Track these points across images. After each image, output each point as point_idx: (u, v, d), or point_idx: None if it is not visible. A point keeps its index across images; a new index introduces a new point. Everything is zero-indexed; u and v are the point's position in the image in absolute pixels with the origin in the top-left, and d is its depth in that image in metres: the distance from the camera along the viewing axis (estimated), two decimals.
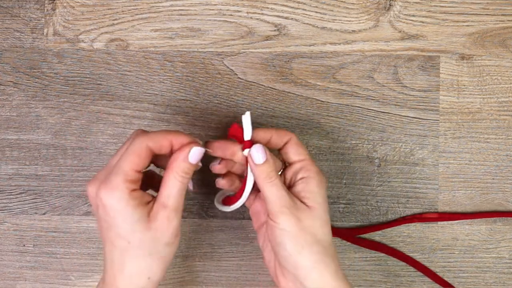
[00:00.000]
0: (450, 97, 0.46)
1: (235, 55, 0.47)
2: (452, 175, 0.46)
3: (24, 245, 0.47)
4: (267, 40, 0.47)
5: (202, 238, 0.47)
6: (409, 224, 0.46)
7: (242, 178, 0.40)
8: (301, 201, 0.38)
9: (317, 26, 0.47)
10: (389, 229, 0.46)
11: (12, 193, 0.47)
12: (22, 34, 0.47)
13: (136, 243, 0.35)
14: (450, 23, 0.47)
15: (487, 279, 0.46)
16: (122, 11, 0.47)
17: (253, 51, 0.47)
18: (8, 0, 0.48)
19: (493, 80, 0.46)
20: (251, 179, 0.38)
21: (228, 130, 0.38)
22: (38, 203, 0.47)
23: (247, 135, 0.38)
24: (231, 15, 0.47)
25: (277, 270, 0.39)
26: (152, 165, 0.39)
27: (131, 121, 0.47)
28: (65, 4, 0.47)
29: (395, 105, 0.47)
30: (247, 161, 0.38)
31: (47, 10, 0.47)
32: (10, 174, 0.47)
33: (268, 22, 0.47)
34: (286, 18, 0.47)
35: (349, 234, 0.46)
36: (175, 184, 0.36)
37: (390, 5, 0.47)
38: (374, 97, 0.47)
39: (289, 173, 0.40)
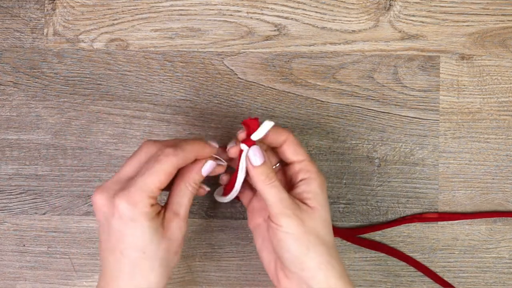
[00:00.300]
0: (450, 97, 0.46)
1: (235, 55, 0.47)
2: (452, 175, 0.46)
3: (24, 245, 0.47)
4: (267, 40, 0.47)
5: (202, 238, 0.47)
6: (409, 224, 0.46)
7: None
8: (303, 202, 0.38)
9: (317, 26, 0.47)
10: (389, 229, 0.46)
11: (12, 193, 0.47)
12: (22, 34, 0.47)
13: (151, 253, 0.35)
14: (450, 23, 0.47)
15: (487, 279, 0.46)
16: (122, 11, 0.47)
17: (253, 51, 0.47)
18: (8, 0, 0.48)
19: (493, 80, 0.46)
20: (243, 167, 0.38)
21: (247, 119, 0.37)
22: (38, 203, 0.47)
23: (256, 136, 0.37)
24: (231, 15, 0.47)
25: (278, 271, 0.39)
26: None
27: (131, 121, 0.47)
28: (65, 4, 0.47)
29: (395, 105, 0.47)
30: (240, 154, 0.38)
31: (47, 10, 0.47)
32: (10, 174, 0.47)
33: (268, 22, 0.47)
34: (286, 18, 0.47)
35: (349, 234, 0.46)
36: (186, 193, 0.37)
37: (390, 5, 0.47)
38: (374, 97, 0.47)
39: (288, 174, 0.40)
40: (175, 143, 0.37)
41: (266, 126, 0.37)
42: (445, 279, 0.46)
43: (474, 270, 0.47)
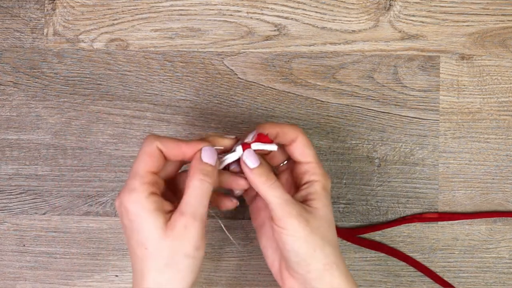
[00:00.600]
0: (450, 97, 0.46)
1: (235, 55, 0.47)
2: (452, 175, 0.46)
3: (24, 245, 0.47)
4: (267, 40, 0.47)
5: None
6: (409, 224, 0.46)
7: None
8: (307, 204, 0.37)
9: (317, 26, 0.47)
10: (389, 229, 0.46)
11: (12, 193, 0.47)
12: (22, 34, 0.47)
13: (153, 250, 0.34)
14: (450, 23, 0.47)
15: (487, 279, 0.46)
16: (122, 11, 0.47)
17: (253, 51, 0.47)
18: (8, 0, 0.48)
19: (493, 80, 0.46)
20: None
21: (263, 134, 0.37)
22: (38, 203, 0.47)
23: (254, 145, 0.37)
24: (231, 15, 0.47)
25: (283, 271, 0.39)
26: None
27: (131, 121, 0.47)
28: (65, 4, 0.47)
29: (395, 105, 0.47)
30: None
31: (47, 10, 0.47)
32: (10, 174, 0.47)
33: (268, 22, 0.47)
34: (286, 18, 0.47)
35: (349, 234, 0.46)
36: (195, 192, 0.35)
37: (390, 5, 0.47)
38: (374, 97, 0.47)
39: (295, 173, 0.39)
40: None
41: (268, 146, 0.37)
42: (445, 279, 0.46)
43: (474, 270, 0.47)
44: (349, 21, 0.47)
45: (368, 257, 0.47)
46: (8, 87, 0.47)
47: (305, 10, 0.47)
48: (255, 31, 0.47)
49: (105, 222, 0.47)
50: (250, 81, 0.47)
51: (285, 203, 0.36)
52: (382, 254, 0.47)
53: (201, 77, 0.47)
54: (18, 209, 0.47)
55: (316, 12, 0.47)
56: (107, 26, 0.47)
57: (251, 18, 0.47)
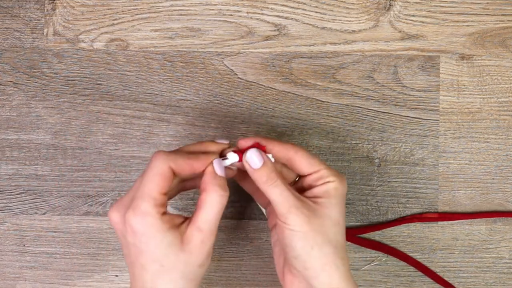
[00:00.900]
0: (450, 97, 0.46)
1: (235, 55, 0.47)
2: (452, 175, 0.46)
3: (24, 245, 0.47)
4: (267, 40, 0.47)
5: None
6: (409, 224, 0.46)
7: None
8: (313, 202, 0.37)
9: (317, 26, 0.47)
10: (389, 229, 0.46)
11: (12, 193, 0.47)
12: (22, 34, 0.47)
13: (170, 266, 0.35)
14: (450, 23, 0.47)
15: (487, 279, 0.46)
16: (122, 11, 0.47)
17: (253, 51, 0.47)
18: (8, 0, 0.48)
19: (493, 80, 0.46)
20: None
21: (263, 146, 0.38)
22: (38, 203, 0.47)
23: (241, 149, 0.38)
24: (231, 15, 0.47)
25: (284, 268, 0.39)
26: None
27: (131, 121, 0.47)
28: (65, 4, 0.47)
29: (395, 105, 0.47)
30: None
31: (47, 10, 0.47)
32: (10, 174, 0.47)
33: (268, 22, 0.47)
34: (286, 18, 0.47)
35: (350, 233, 0.46)
36: (213, 207, 0.35)
37: (390, 5, 0.47)
38: (374, 97, 0.47)
39: (306, 183, 0.39)
40: (181, 149, 0.37)
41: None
42: (445, 279, 0.46)
43: (474, 270, 0.47)
44: (349, 21, 0.47)
45: (368, 257, 0.47)
46: (8, 87, 0.47)
47: (305, 10, 0.47)
48: (255, 31, 0.47)
49: (105, 222, 0.47)
50: (250, 81, 0.47)
51: (286, 199, 0.36)
52: (382, 254, 0.47)
53: (201, 77, 0.47)
54: (18, 209, 0.47)
55: (316, 12, 0.47)
56: (107, 26, 0.47)
57: (251, 18, 0.47)
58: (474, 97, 0.46)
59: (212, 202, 0.36)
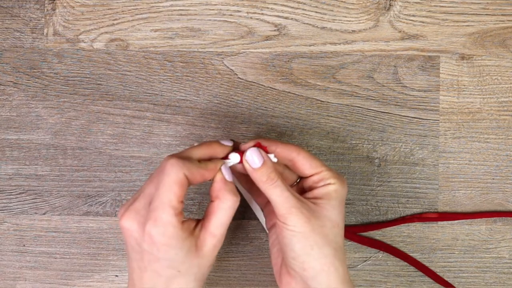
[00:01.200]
0: (450, 97, 0.46)
1: (235, 55, 0.47)
2: (452, 175, 0.46)
3: (24, 245, 0.47)
4: (267, 40, 0.47)
5: None
6: (409, 224, 0.46)
7: None
8: (313, 202, 0.37)
9: (317, 26, 0.47)
10: (389, 229, 0.46)
11: (12, 193, 0.47)
12: (22, 34, 0.47)
13: (185, 271, 0.35)
14: (450, 23, 0.47)
15: (487, 279, 0.46)
16: (122, 11, 0.47)
17: (253, 51, 0.47)
18: (8, 0, 0.48)
19: (493, 80, 0.46)
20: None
21: (264, 147, 0.38)
22: (38, 203, 0.47)
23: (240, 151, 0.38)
24: (231, 15, 0.47)
25: (282, 269, 0.39)
26: None
27: (131, 121, 0.47)
28: (65, 4, 0.47)
29: (395, 105, 0.47)
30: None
31: (47, 10, 0.47)
32: (10, 174, 0.47)
33: (268, 22, 0.47)
34: (286, 18, 0.47)
35: (350, 231, 0.46)
36: (226, 213, 0.36)
37: (390, 5, 0.47)
38: (374, 97, 0.47)
39: (307, 185, 0.39)
40: (187, 153, 0.37)
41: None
42: (445, 279, 0.46)
43: (474, 270, 0.47)
44: (349, 21, 0.47)
45: (367, 257, 0.47)
46: (8, 87, 0.47)
47: (305, 10, 0.47)
48: (255, 31, 0.47)
49: (105, 222, 0.47)
50: (250, 81, 0.47)
51: (286, 200, 0.36)
52: (382, 254, 0.47)
53: (201, 77, 0.47)
54: (18, 209, 0.47)
55: (316, 12, 0.47)
56: (107, 26, 0.47)
57: (251, 18, 0.47)
58: (474, 97, 0.46)
59: (226, 209, 0.36)
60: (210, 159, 0.37)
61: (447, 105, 0.46)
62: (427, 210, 0.47)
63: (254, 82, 0.47)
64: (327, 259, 0.36)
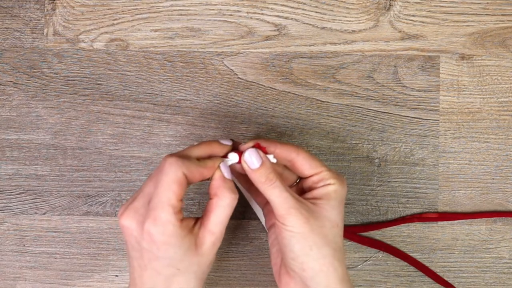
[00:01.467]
0: (450, 97, 0.46)
1: (235, 55, 0.47)
2: (452, 175, 0.46)
3: (24, 245, 0.47)
4: (267, 40, 0.47)
5: None
6: (409, 224, 0.46)
7: None
8: (312, 203, 0.37)
9: (317, 26, 0.47)
10: (389, 229, 0.46)
11: (12, 193, 0.47)
12: (22, 34, 0.47)
13: (185, 269, 0.36)
14: (450, 23, 0.47)
15: (487, 279, 0.46)
16: (122, 11, 0.47)
17: (253, 51, 0.47)
18: (8, 0, 0.48)
19: (493, 80, 0.46)
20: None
21: (263, 147, 0.38)
22: (38, 203, 0.47)
23: (239, 150, 0.38)
24: (231, 15, 0.47)
25: (281, 269, 0.39)
26: None
27: (131, 121, 0.47)
28: (65, 4, 0.47)
29: (395, 105, 0.47)
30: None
31: (47, 10, 0.47)
32: (10, 174, 0.47)
33: (268, 22, 0.47)
34: (286, 18, 0.47)
35: (350, 231, 0.46)
36: (225, 211, 0.36)
37: (390, 5, 0.47)
38: (374, 97, 0.47)
39: (306, 185, 0.39)
40: (186, 152, 0.37)
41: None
42: (445, 279, 0.46)
43: (474, 270, 0.47)
44: (349, 21, 0.47)
45: (367, 257, 0.47)
46: (8, 87, 0.47)
47: (305, 10, 0.47)
48: (255, 31, 0.47)
49: (105, 222, 0.47)
50: (250, 81, 0.47)
51: (285, 200, 0.36)
52: (382, 254, 0.47)
53: (201, 77, 0.47)
54: (18, 209, 0.47)
55: (316, 12, 0.47)
56: (107, 26, 0.47)
57: (251, 18, 0.47)
58: (474, 97, 0.46)
59: (224, 206, 0.36)
60: (209, 158, 0.38)
61: (447, 105, 0.46)
62: (427, 210, 0.47)
63: (254, 82, 0.47)
64: (326, 260, 0.36)
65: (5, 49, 0.47)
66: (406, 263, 0.46)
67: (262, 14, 0.47)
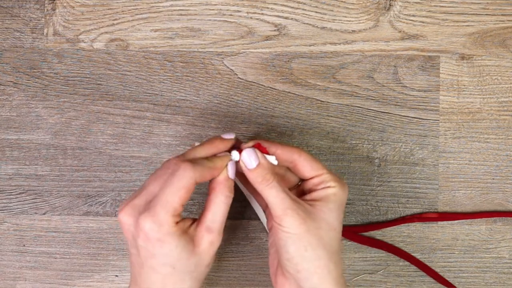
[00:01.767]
0: (450, 97, 0.46)
1: (235, 55, 0.47)
2: (452, 175, 0.46)
3: (24, 245, 0.47)
4: (267, 40, 0.47)
5: None
6: (409, 224, 0.46)
7: None
8: (310, 205, 0.37)
9: (317, 26, 0.47)
10: (389, 229, 0.46)
11: (12, 193, 0.47)
12: (22, 34, 0.47)
13: (181, 268, 0.35)
14: (450, 23, 0.47)
15: (487, 279, 0.46)
16: (122, 11, 0.47)
17: (253, 51, 0.47)
18: (8, 0, 0.48)
19: (493, 80, 0.46)
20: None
21: (263, 148, 0.38)
22: (38, 203, 0.47)
23: (241, 150, 0.38)
24: (231, 15, 0.47)
25: (277, 271, 0.39)
26: None
27: (131, 121, 0.47)
28: (65, 4, 0.47)
29: (395, 105, 0.47)
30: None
31: (47, 10, 0.47)
32: (10, 174, 0.47)
33: (268, 22, 0.47)
34: (286, 18, 0.47)
35: (350, 231, 0.46)
36: (220, 208, 0.36)
37: (390, 5, 0.47)
38: (374, 97, 0.47)
39: (307, 187, 0.39)
40: (192, 154, 0.37)
41: (268, 157, 0.37)
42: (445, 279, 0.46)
43: (474, 270, 0.47)
44: (349, 21, 0.47)
45: (368, 257, 0.47)
46: (8, 87, 0.47)
47: (305, 10, 0.47)
48: (255, 31, 0.47)
49: (105, 222, 0.47)
50: (250, 81, 0.47)
51: (282, 201, 0.36)
52: (382, 254, 0.47)
53: (201, 77, 0.47)
54: (18, 209, 0.47)
55: (316, 12, 0.47)
56: (107, 26, 0.47)
57: (251, 18, 0.47)
58: (474, 97, 0.46)
59: (219, 203, 0.36)
60: (216, 156, 0.38)
61: (447, 105, 0.46)
62: (427, 210, 0.47)
63: (254, 82, 0.47)
64: (321, 261, 0.36)
65: (5, 49, 0.47)
66: (406, 263, 0.46)
67: (262, 14, 0.47)
